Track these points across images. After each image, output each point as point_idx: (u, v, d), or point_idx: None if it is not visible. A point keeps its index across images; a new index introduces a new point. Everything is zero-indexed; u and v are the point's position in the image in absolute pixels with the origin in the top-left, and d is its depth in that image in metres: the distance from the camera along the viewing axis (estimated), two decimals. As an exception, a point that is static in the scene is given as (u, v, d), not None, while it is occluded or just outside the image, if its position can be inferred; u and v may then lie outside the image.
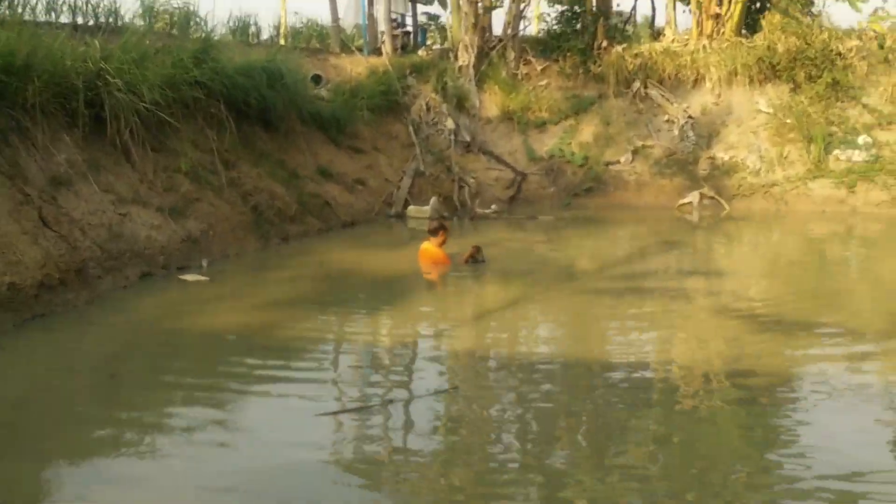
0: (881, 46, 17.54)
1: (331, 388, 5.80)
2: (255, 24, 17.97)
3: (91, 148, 9.79)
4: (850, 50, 17.63)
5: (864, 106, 17.11)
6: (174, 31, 13.71)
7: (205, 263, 9.86)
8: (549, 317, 8.20)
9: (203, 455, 4.59)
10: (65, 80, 9.46)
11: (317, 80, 17.06)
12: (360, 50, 20.24)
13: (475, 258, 9.81)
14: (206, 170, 11.49)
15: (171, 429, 5.04)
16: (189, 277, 9.14)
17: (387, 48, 19.56)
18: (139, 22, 12.73)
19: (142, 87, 10.22)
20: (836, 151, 16.46)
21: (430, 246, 9.88)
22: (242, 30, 17.21)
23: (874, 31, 18.17)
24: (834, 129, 16.80)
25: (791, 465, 4.47)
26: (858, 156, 16.27)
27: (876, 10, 18.78)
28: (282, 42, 20.01)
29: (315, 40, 23.39)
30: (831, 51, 17.44)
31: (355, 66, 18.34)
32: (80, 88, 9.57)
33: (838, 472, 4.29)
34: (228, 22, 16.73)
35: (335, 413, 5.18)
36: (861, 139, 16.49)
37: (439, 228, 9.96)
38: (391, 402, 5.46)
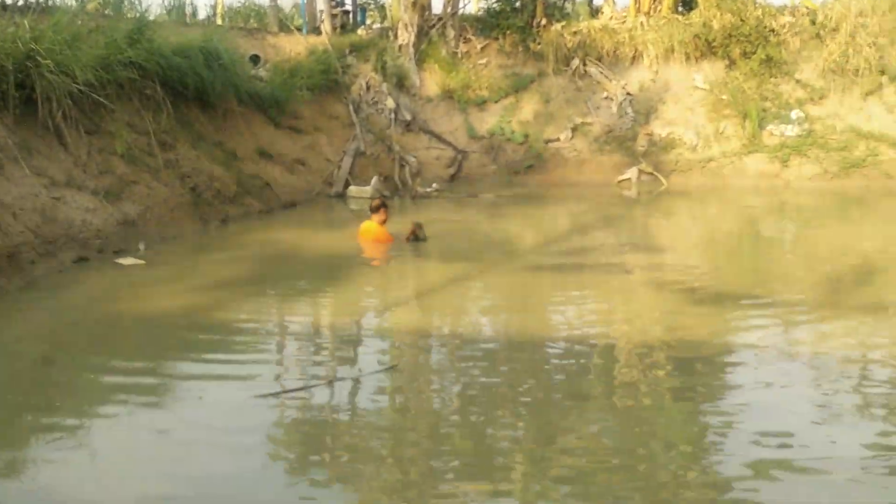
0: (813, 22, 17.95)
1: (272, 370, 5.77)
2: (191, 3, 17.97)
3: (22, 131, 9.59)
4: (783, 26, 18.03)
5: (797, 81, 17.52)
6: (107, 12, 13.48)
7: (142, 247, 9.72)
8: (491, 294, 8.26)
9: (140, 440, 4.53)
10: (-7, 62, 9.25)
11: (255, 60, 16.89)
12: (298, 29, 20.08)
13: (416, 236, 9.83)
14: (143, 152, 11.33)
15: (107, 414, 4.97)
16: (126, 261, 9.01)
17: (326, 27, 19.44)
18: (71, 2, 12.51)
19: (74, 68, 10.03)
20: (770, 126, 16.85)
21: (371, 224, 9.88)
22: (178, 9, 17.01)
23: (806, 7, 18.57)
24: (768, 104, 17.19)
25: (727, 436, 4.57)
26: (791, 130, 16.67)
27: (808, -14, 19.19)
28: (219, 22, 19.79)
29: (253, 20, 23.15)
30: (765, 27, 17.80)
31: (294, 46, 18.19)
32: (10, 70, 9.35)
33: (770, 437, 4.40)
34: (164, 2, 16.53)
35: (275, 394, 5.16)
36: (794, 114, 16.89)
37: (380, 206, 9.96)
38: (332, 381, 5.46)
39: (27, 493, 3.99)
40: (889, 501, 3.81)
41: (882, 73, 16.99)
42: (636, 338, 6.50)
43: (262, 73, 16.53)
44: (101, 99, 10.71)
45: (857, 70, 17.05)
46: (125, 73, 11.30)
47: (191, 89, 12.89)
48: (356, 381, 5.51)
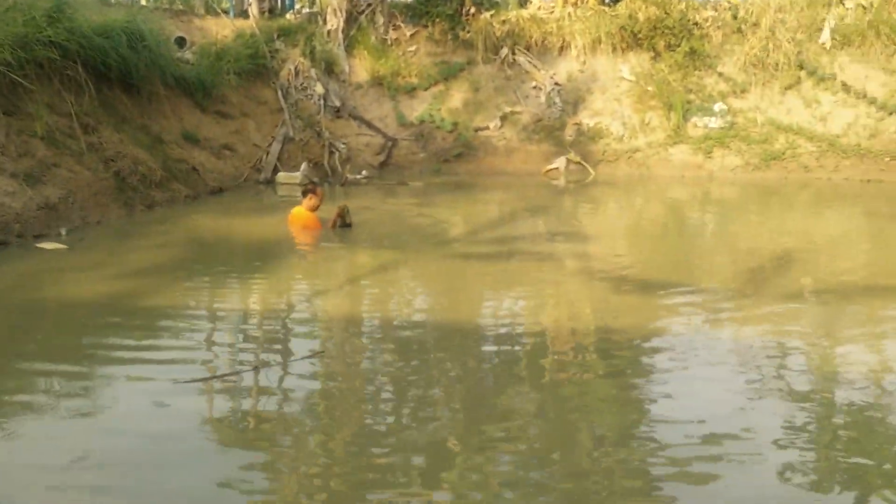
0: (735, 17, 18.36)
1: (197, 356, 5.70)
2: (115, -18, 17.29)
3: (-63, 111, 9.26)
4: (706, 20, 18.43)
5: (720, 74, 17.91)
6: (26, -12, 13.05)
7: (64, 231, 9.50)
8: (420, 281, 8.28)
9: (61, 430, 4.44)
10: None
11: (181, 42, 16.58)
12: (225, 12, 19.76)
13: (343, 220, 9.75)
14: (64, 134, 11.04)
15: (28, 400, 4.85)
16: (47, 245, 8.79)
17: (254, 11, 19.19)
18: (-14, -23, 12.05)
19: (-10, 47, 9.72)
20: (694, 118, 17.21)
21: (300, 210, 9.81)
22: (100, -12, 16.51)
23: (728, 1, 18.97)
24: (692, 96, 17.54)
25: (654, 422, 4.66)
26: (714, 122, 17.06)
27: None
28: (143, 2, 19.33)
29: (178, 1, 22.64)
30: (689, 20, 18.16)
31: (221, 29, 17.90)
32: (-78, 47, 9.02)
33: (693, 424, 4.52)
34: (85, -20, 16.04)
35: (199, 380, 5.10)
36: (717, 107, 17.28)
37: (309, 191, 9.89)
38: (257, 367, 5.40)
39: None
40: (808, 485, 3.93)
41: (801, 67, 17.47)
42: (564, 325, 6.60)
43: (188, 55, 16.24)
44: (20, 79, 10.40)
45: (777, 64, 17.49)
46: (45, 53, 10.99)
47: (114, 71, 12.60)
48: (283, 366, 5.48)
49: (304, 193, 9.92)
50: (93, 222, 10.26)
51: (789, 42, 17.51)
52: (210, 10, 19.66)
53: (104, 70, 12.41)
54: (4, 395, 4.95)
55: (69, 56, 11.52)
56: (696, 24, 18.29)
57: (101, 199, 10.80)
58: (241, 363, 5.51)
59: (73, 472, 3.96)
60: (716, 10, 18.74)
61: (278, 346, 6.07)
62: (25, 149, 10.20)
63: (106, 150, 11.53)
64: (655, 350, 5.97)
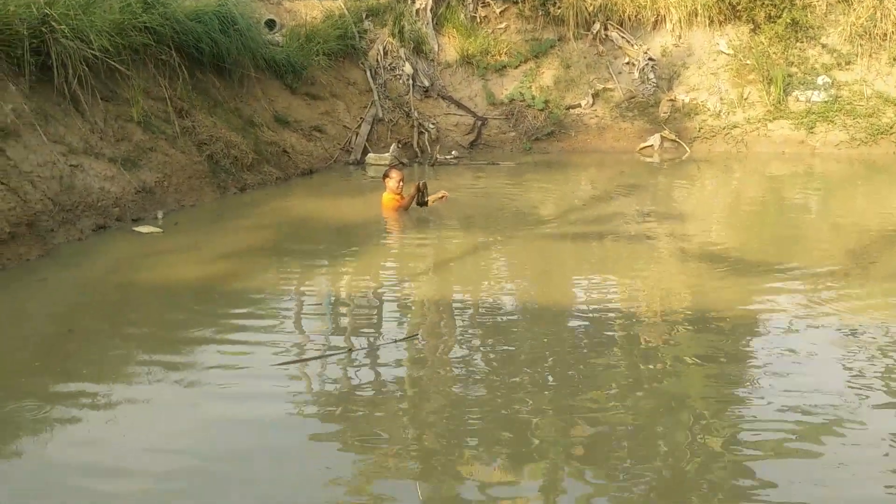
0: (840, -15, 17.53)
1: (291, 338, 5.69)
2: (206, -32, 17.48)
3: (38, 97, 9.47)
4: (810, -11, 17.63)
5: (824, 46, 17.16)
6: (121, -24, 13.29)
7: (160, 215, 9.65)
8: (512, 262, 8.14)
9: (161, 410, 4.49)
10: (8, 27, 9.10)
11: (271, 24, 16.70)
12: (314, -6, 19.80)
13: (420, 197, 9.61)
14: (159, 118, 11.21)
15: (130, 384, 4.92)
16: (144, 229, 8.94)
17: (342, -9, 19.16)
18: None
19: (89, 34, 9.89)
20: (796, 92, 16.54)
21: (385, 195, 9.81)
22: (193, -26, 16.74)
23: (833, -32, 18.13)
24: (794, 69, 16.86)
25: (751, 403, 4.51)
26: (818, 96, 16.36)
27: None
28: (234, -14, 19.50)
29: (268, -16, 22.84)
30: (791, -11, 17.41)
31: (310, 11, 17.96)
32: (25, 35, 9.21)
33: (796, 407, 4.34)
34: (178, -34, 16.28)
35: (294, 362, 5.11)
36: (820, 80, 16.57)
37: (385, 175, 10.03)
38: (351, 350, 5.38)
39: (51, 457, 3.99)
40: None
41: (911, 36, 16.63)
42: (659, 307, 6.39)
43: (277, 38, 16.34)
44: (117, 65, 10.58)
45: (885, 35, 16.66)
46: (140, 39, 11.15)
47: (206, 55, 12.73)
48: (377, 349, 5.43)
49: (384, 177, 10.04)
50: (187, 205, 10.41)
51: (899, 10, 16.67)
52: (300, -8, 19.76)
53: (197, 54, 12.56)
54: (107, 375, 5.04)
55: (163, 41, 11.67)
56: (798, -7, 17.56)
57: (195, 182, 10.95)
58: (334, 345, 5.50)
59: (174, 451, 3.99)
60: (820, -22, 17.95)
61: (371, 329, 6.02)
62: (123, 134, 10.38)
63: (199, 133, 11.68)
64: (753, 332, 5.75)
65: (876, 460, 3.83)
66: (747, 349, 5.43)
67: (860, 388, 4.62)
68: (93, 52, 9.94)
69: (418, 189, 9.63)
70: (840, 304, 6.30)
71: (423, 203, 9.66)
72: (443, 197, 9.87)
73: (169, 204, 10.13)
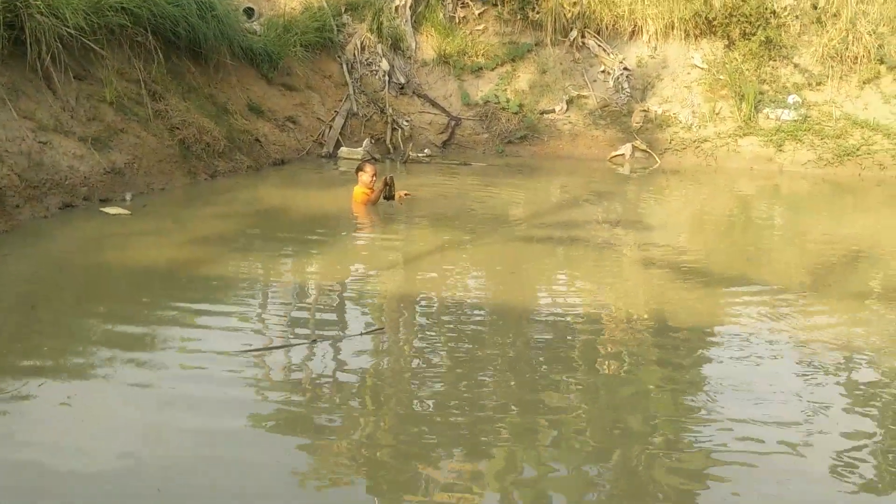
0: (815, 7, 17.74)
1: (254, 326, 5.69)
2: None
3: (10, 72, 9.38)
4: (785, 9, 17.84)
5: (796, 66, 17.37)
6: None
7: (128, 197, 9.59)
8: (479, 262, 8.18)
9: (121, 389, 4.49)
10: (-19, 0, 9.01)
11: (249, 13, 16.63)
12: (295, -16, 19.72)
13: (388, 191, 9.77)
14: (132, 100, 11.13)
15: (90, 365, 4.90)
16: (111, 210, 8.88)
17: (322, -16, 19.11)
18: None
19: (65, 11, 9.80)
20: (767, 110, 16.72)
21: (357, 188, 9.85)
22: (173, -43, 16.61)
23: (809, -10, 18.37)
24: (765, 87, 17.05)
25: (705, 414, 4.56)
26: (787, 115, 16.55)
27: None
28: (214, -28, 19.37)
29: (249, -28, 22.72)
30: (766, 9, 17.60)
31: (289, 1, 17.90)
32: (-1, 10, 9.12)
33: (749, 424, 4.38)
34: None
35: (256, 350, 5.11)
36: (791, 99, 16.77)
37: (358, 169, 10.06)
38: (315, 340, 5.39)
39: (5, 437, 3.96)
40: (863, 494, 3.77)
41: (881, 62, 16.83)
42: (622, 313, 6.45)
43: (255, 26, 16.27)
44: (92, 44, 10.49)
45: (856, 58, 16.90)
46: (116, 19, 11.06)
47: (183, 39, 12.65)
48: (341, 341, 5.44)
49: (356, 171, 10.07)
50: (157, 189, 10.35)
51: (870, 35, 16.90)
52: (280, -18, 19.68)
53: (173, 38, 12.47)
54: (68, 353, 5.02)
55: (140, 23, 11.58)
56: (773, 12, 17.72)
57: (166, 166, 10.88)
58: (299, 335, 5.51)
59: (133, 435, 3.98)
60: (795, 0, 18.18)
61: (337, 320, 6.03)
62: (94, 113, 10.30)
63: (172, 117, 11.60)
64: (713, 343, 5.83)
65: (824, 478, 3.89)
66: (705, 360, 5.51)
67: (816, 403, 4.69)
68: (68, 29, 9.86)
69: (386, 183, 9.73)
70: (800, 321, 6.40)
71: (389, 197, 9.77)
72: (406, 195, 9.97)
73: (138, 186, 10.06)
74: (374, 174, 9.89)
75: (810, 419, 4.49)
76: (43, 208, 8.45)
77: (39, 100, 9.58)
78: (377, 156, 14.98)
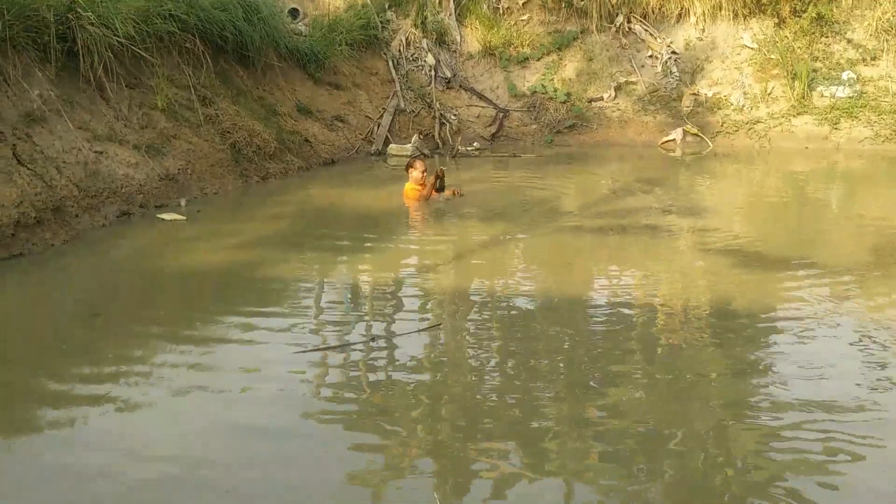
0: (867, -20, 17.34)
1: (312, 327, 5.73)
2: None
3: (64, 84, 9.57)
4: (837, -18, 17.45)
5: (849, 41, 16.98)
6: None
7: (183, 202, 9.72)
8: (533, 255, 8.15)
9: (182, 393, 4.55)
10: (35, 14, 9.19)
11: (294, 13, 16.75)
12: (338, -17, 19.81)
13: (440, 183, 9.96)
14: (183, 106, 11.28)
15: (153, 366, 4.97)
16: (167, 216, 9.01)
17: (365, -19, 19.16)
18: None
19: (114, 21, 9.96)
20: (820, 88, 16.39)
21: (408, 185, 9.91)
22: (217, -37, 16.79)
23: (860, -37, 17.93)
24: (818, 64, 16.71)
25: (769, 398, 4.49)
26: (842, 92, 16.20)
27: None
28: (258, -25, 19.55)
29: (292, -26, 22.88)
30: (817, -17, 17.24)
31: (333, 0, 17.97)
32: (52, 22, 9.29)
33: (816, 409, 4.30)
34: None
35: (314, 350, 5.15)
36: (845, 75, 16.41)
37: (408, 166, 10.15)
38: (373, 339, 5.42)
39: (75, 439, 4.07)
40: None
41: (937, 32, 16.44)
42: (679, 302, 6.37)
43: (301, 27, 16.38)
44: (142, 52, 10.65)
45: (912, 30, 16.50)
46: (165, 27, 11.22)
47: (230, 43, 12.79)
48: (398, 338, 5.46)
49: (406, 168, 10.18)
50: (210, 193, 10.49)
51: (925, 5, 16.48)
52: (323, -18, 19.79)
53: (221, 43, 12.62)
54: (131, 359, 5.10)
55: (188, 29, 11.74)
56: (824, -13, 17.39)
57: (218, 170, 11.02)
58: (356, 334, 5.54)
59: (195, 436, 4.05)
60: (846, -27, 17.75)
61: (393, 318, 6.04)
62: (147, 121, 10.46)
63: (223, 122, 11.74)
64: (773, 328, 5.74)
65: (888, 450, 3.82)
66: (768, 348, 5.41)
67: (880, 384, 4.60)
68: (118, 39, 10.03)
69: (437, 175, 9.84)
70: (862, 302, 6.28)
71: (441, 189, 9.85)
72: (455, 193, 10.04)
73: (192, 191, 10.21)
74: (425, 170, 9.95)
75: (878, 403, 4.38)
76: (101, 217, 8.61)
77: (93, 110, 9.76)
78: (426, 151, 14.99)
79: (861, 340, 5.36)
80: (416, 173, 9.86)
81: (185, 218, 9.04)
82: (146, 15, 10.80)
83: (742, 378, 4.82)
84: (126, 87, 10.43)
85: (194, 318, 5.97)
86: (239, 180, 11.24)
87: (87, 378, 4.81)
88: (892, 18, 16.53)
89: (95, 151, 9.21)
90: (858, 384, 4.61)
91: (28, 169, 8.05)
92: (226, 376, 4.79)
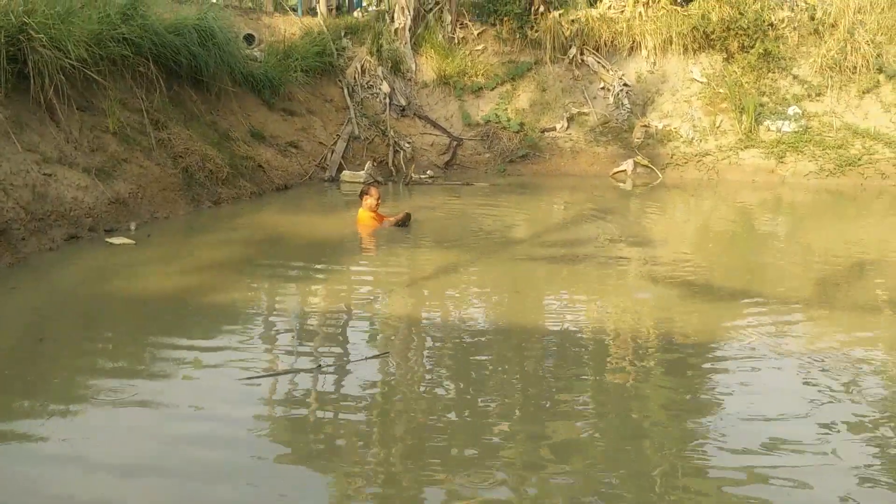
0: (812, 18, 17.83)
1: (260, 354, 5.70)
2: (186, -20, 17.51)
3: (14, 105, 9.46)
4: (782, 20, 17.94)
5: (795, 77, 17.44)
6: (101, -14, 13.29)
7: (133, 226, 9.64)
8: (484, 283, 8.19)
9: (126, 425, 4.49)
10: (-15, 35, 9.10)
11: (249, 39, 16.75)
12: (293, 10, 19.93)
13: (404, 222, 10.06)
14: (135, 130, 11.20)
15: (97, 395, 4.89)
16: (116, 240, 8.92)
17: (321, 8, 19.30)
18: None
19: (67, 43, 9.89)
20: (767, 122, 16.79)
21: (360, 212, 9.98)
22: (173, -14, 16.74)
23: (805, 2, 18.44)
24: (765, 99, 17.12)
25: (713, 432, 4.54)
26: (788, 126, 16.61)
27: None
28: (213, 0, 19.56)
29: (248, -1, 22.93)
30: (763, 21, 17.70)
31: (289, 27, 18.04)
32: (2, 43, 9.21)
33: (757, 441, 4.38)
34: (158, -22, 16.28)
35: (261, 377, 5.12)
36: (791, 110, 16.82)
37: (363, 192, 10.19)
38: (320, 367, 5.40)
39: (13, 466, 4.00)
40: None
41: (879, 71, 16.91)
42: (628, 330, 6.46)
43: (256, 53, 16.37)
44: (94, 75, 10.58)
45: (855, 67, 16.97)
46: (118, 50, 11.17)
47: (184, 68, 12.76)
48: (346, 366, 5.45)
49: (360, 195, 10.19)
50: (161, 217, 10.40)
51: (868, 44, 16.97)
52: (278, 8, 19.84)
53: (175, 67, 12.58)
54: (73, 385, 5.03)
55: (142, 53, 11.70)
56: (771, 24, 17.82)
57: (170, 194, 10.94)
58: (303, 361, 5.51)
59: (139, 466, 4.00)
60: (792, 11, 18.21)
61: (341, 345, 6.04)
62: (98, 144, 10.37)
63: (175, 146, 11.68)
64: (719, 357, 5.83)
65: (832, 473, 3.89)
66: (712, 376, 5.49)
67: (824, 419, 4.67)
68: (70, 61, 9.95)
69: (406, 216, 10.06)
70: (806, 333, 6.41)
71: (403, 225, 10.08)
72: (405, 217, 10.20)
73: (142, 215, 10.12)
74: (379, 197, 9.98)
75: (821, 437, 4.45)
76: (48, 240, 8.49)
77: (43, 132, 9.65)
78: (380, 178, 15.03)
79: (805, 375, 5.45)
80: (370, 200, 9.90)
81: (134, 242, 8.95)
82: (99, 38, 10.73)
83: (688, 415, 4.87)
84: (77, 109, 10.34)
85: (140, 346, 5.89)
86: (190, 205, 11.16)
87: (29, 405, 4.73)
88: (836, 56, 17.02)
89: (44, 174, 9.10)
90: (799, 422, 4.67)
91: (-26, 191, 7.93)
92: (170, 406, 4.72)
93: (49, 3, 10.02)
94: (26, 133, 9.34)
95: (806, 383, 5.26)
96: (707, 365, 5.69)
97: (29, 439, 4.29)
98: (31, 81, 9.62)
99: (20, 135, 9.19)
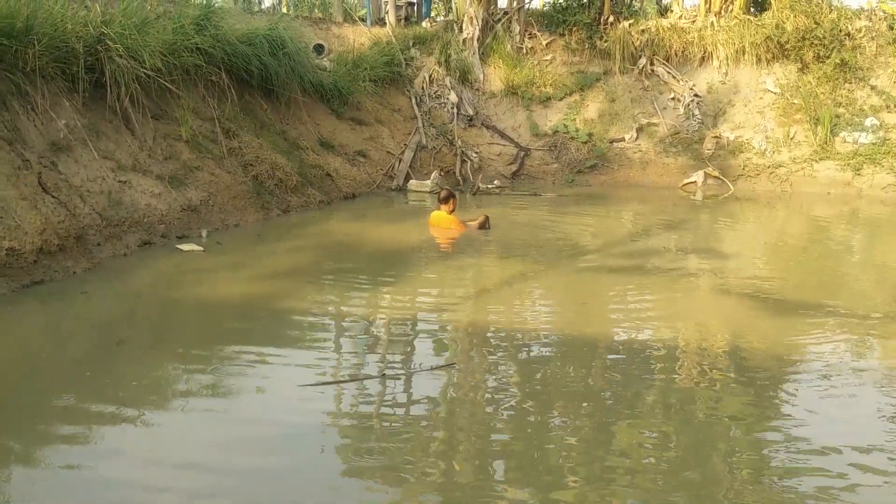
0: (891, 27, 17.40)
1: (326, 361, 5.71)
2: (258, -9, 17.86)
3: (91, 114, 9.70)
4: (860, 30, 17.52)
5: (872, 88, 17.00)
6: (176, -2, 13.59)
7: (204, 233, 9.79)
8: (551, 294, 8.12)
9: (195, 425, 4.55)
10: (65, 45, 9.37)
11: (319, 49, 16.95)
12: (363, 20, 20.09)
13: (485, 224, 10.41)
14: (207, 138, 11.40)
15: (169, 398, 4.98)
16: (187, 247, 9.06)
17: (390, 19, 19.44)
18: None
19: (142, 53, 10.12)
20: (843, 133, 16.38)
21: (442, 214, 10.25)
22: (245, -3, 17.07)
23: (884, 11, 17.99)
24: (841, 110, 16.71)
25: (786, 450, 4.41)
26: (865, 138, 16.18)
27: (886, -9, 18.62)
28: (284, 10, 19.87)
29: (318, 9, 23.24)
30: (840, 31, 17.32)
31: (358, 37, 18.21)
32: (81, 53, 9.47)
33: (836, 456, 4.25)
34: (231, -11, 16.61)
35: (325, 384, 5.13)
36: (868, 121, 16.39)
37: (449, 196, 10.41)
38: (385, 375, 5.39)
39: (88, 467, 4.07)
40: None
41: (960, 81, 16.43)
42: (698, 344, 6.33)
43: (325, 63, 16.55)
44: (168, 84, 10.80)
45: (935, 77, 16.51)
46: (191, 60, 11.39)
47: (255, 77, 12.96)
48: (411, 375, 5.43)
49: (446, 199, 10.41)
50: (231, 225, 10.55)
51: (949, 54, 16.49)
52: (348, 18, 20.03)
53: (246, 76, 12.79)
54: (139, 391, 5.08)
55: (214, 62, 11.91)
56: (847, 34, 17.43)
57: (240, 202, 11.09)
58: (369, 369, 5.51)
59: (196, 474, 4.03)
60: (870, 21, 17.78)
61: (407, 355, 6.02)
62: (171, 152, 10.57)
63: (245, 154, 11.85)
64: (791, 371, 5.68)
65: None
66: (785, 391, 5.35)
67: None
68: (145, 70, 10.17)
69: (483, 223, 10.45)
70: (882, 349, 6.21)
71: (486, 227, 10.48)
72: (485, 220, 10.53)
73: (213, 223, 10.27)
74: (454, 207, 10.22)
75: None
76: (123, 246, 8.67)
77: (119, 140, 9.87)
78: (447, 187, 15.03)
79: (881, 389, 5.29)
80: (454, 206, 10.35)
81: (202, 249, 9.08)
82: (174, 48, 10.96)
83: (758, 422, 4.76)
84: (151, 118, 10.56)
85: (209, 350, 5.96)
86: (260, 213, 11.30)
87: (109, 399, 4.82)
88: (915, 66, 16.55)
89: (119, 181, 9.30)
90: (877, 440, 4.51)
91: (52, 197, 8.13)
92: (237, 410, 4.78)
93: (126, 14, 10.28)
94: (102, 141, 9.56)
95: (881, 401, 5.09)
96: (775, 378, 5.53)
97: (101, 439, 4.36)
98: (108, 90, 9.86)
99: (97, 142, 9.41)
